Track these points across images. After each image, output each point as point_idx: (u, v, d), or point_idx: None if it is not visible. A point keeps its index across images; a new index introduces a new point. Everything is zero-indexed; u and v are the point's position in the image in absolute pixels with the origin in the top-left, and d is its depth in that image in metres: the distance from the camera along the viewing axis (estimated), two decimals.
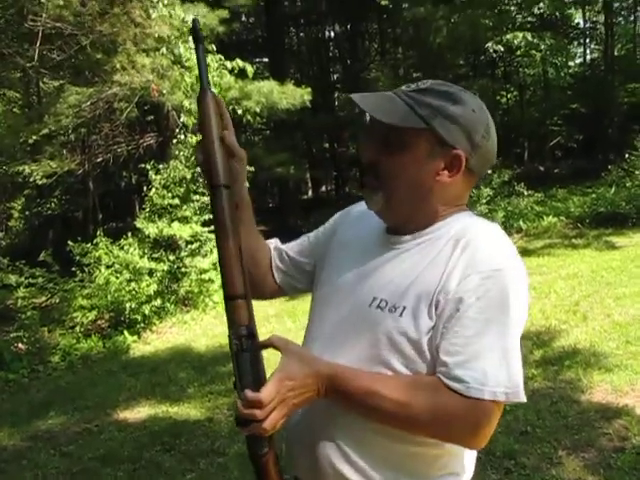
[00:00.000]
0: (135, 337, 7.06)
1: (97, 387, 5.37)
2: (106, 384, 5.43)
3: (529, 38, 13.04)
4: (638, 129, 13.52)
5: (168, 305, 7.64)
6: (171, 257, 7.93)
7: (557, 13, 16.06)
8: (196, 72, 6.45)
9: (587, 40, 19.64)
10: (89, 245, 7.84)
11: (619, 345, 4.41)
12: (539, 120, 17.81)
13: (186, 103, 6.57)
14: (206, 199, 7.72)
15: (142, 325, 7.28)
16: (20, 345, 6.65)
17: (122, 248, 7.84)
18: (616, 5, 17.61)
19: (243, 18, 16.98)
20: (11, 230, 18.40)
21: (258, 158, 11.27)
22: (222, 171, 1.08)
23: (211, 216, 1.11)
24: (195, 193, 8.02)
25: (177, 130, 8.09)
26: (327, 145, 20.79)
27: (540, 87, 19.62)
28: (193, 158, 7.63)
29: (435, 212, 1.11)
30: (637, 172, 10.83)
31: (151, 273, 7.63)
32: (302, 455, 1.13)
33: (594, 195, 10.88)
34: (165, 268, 7.74)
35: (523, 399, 0.97)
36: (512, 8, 14.97)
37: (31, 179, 10.79)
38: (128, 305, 7.19)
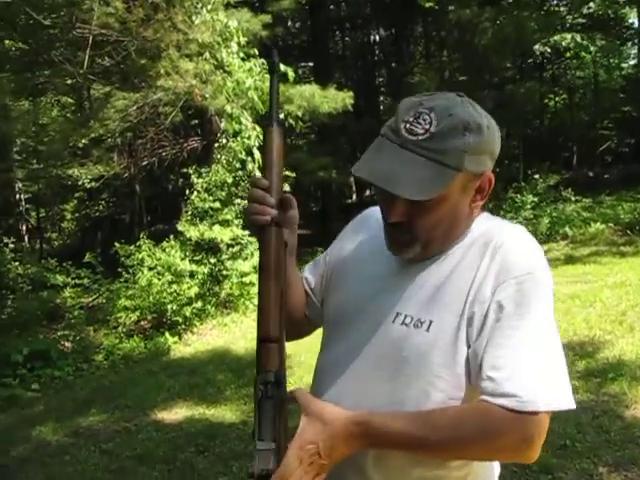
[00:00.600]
0: (176, 338, 7.19)
1: (137, 387, 5.48)
2: (146, 384, 5.53)
3: (578, 39, 12.72)
4: None
5: (209, 307, 7.75)
6: (212, 260, 8.03)
7: (610, 13, 15.61)
8: (237, 76, 6.55)
9: None
10: (132, 247, 8.01)
11: None
12: (589, 124, 17.36)
13: (227, 108, 6.64)
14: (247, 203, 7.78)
15: (183, 327, 7.41)
16: (66, 343, 6.86)
17: (164, 250, 7.98)
18: None
19: (289, 23, 17.11)
20: (64, 231, 19.04)
21: (302, 162, 11.32)
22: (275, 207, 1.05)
23: None
24: (236, 197, 8.11)
25: (219, 134, 8.20)
26: None
27: (590, 90, 19.10)
28: (235, 162, 7.72)
29: (465, 229, 1.06)
30: None
31: (192, 275, 7.75)
32: None
33: None
34: (206, 271, 7.86)
35: (574, 405, 0.91)
36: (562, 9, 14.64)
37: (80, 182, 11.13)
38: (170, 307, 7.33)
